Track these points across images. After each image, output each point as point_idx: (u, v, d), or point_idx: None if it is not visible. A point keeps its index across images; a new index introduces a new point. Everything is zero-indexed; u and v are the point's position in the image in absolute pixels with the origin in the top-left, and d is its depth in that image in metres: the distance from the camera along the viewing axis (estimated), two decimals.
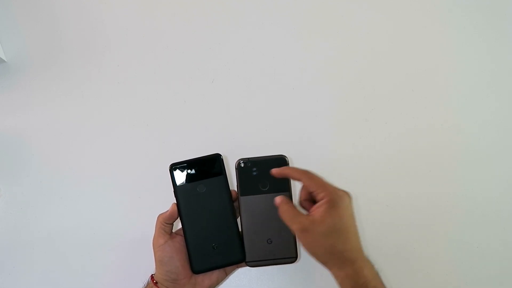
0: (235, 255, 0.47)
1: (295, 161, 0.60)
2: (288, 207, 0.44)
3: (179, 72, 0.64)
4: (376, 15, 0.64)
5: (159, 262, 0.46)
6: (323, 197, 0.42)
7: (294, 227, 0.42)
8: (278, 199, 0.45)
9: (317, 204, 0.42)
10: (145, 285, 0.48)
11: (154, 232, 0.48)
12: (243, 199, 0.47)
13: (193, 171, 0.48)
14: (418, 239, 0.60)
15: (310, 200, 0.45)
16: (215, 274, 0.48)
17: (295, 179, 0.45)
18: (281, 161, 0.48)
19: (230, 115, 0.63)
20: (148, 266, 0.48)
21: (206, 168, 0.48)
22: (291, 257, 0.48)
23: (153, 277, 0.47)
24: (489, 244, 0.59)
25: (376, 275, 0.43)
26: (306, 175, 0.44)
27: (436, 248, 0.60)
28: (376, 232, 0.60)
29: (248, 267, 0.48)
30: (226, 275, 0.49)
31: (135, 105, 0.64)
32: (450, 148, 0.61)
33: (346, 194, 0.44)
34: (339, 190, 0.44)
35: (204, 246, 0.47)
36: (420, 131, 0.61)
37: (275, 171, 0.46)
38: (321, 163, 0.61)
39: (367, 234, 0.60)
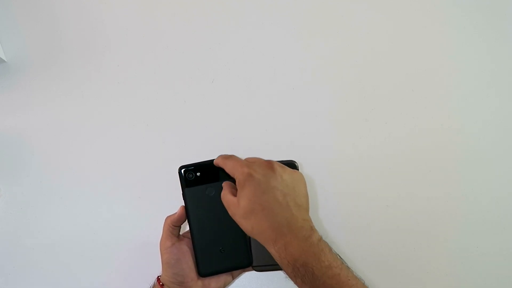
0: (242, 259, 0.47)
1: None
2: (224, 193, 0.44)
3: (179, 72, 0.64)
4: (376, 15, 0.64)
5: (166, 264, 0.46)
6: (236, 179, 0.42)
7: (228, 212, 0.43)
8: (224, 184, 0.45)
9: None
10: (151, 287, 0.47)
11: (161, 234, 0.47)
12: None
13: (202, 174, 0.47)
14: (417, 239, 0.60)
15: None
16: (221, 277, 0.48)
17: (219, 166, 0.45)
18: (290, 166, 0.47)
19: (230, 115, 0.63)
20: (152, 268, 0.48)
21: (215, 171, 0.47)
22: None
23: (159, 279, 0.47)
24: (489, 244, 0.59)
25: (312, 247, 0.39)
26: (223, 161, 0.44)
27: (436, 249, 0.60)
28: (375, 232, 0.60)
29: (254, 271, 0.48)
30: (233, 279, 0.49)
31: (135, 105, 0.64)
32: (450, 148, 0.61)
33: (261, 166, 0.42)
34: (248, 166, 0.42)
35: (211, 249, 0.47)
36: (420, 131, 0.61)
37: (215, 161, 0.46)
38: (321, 163, 0.61)
39: (367, 234, 0.60)
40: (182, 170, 0.47)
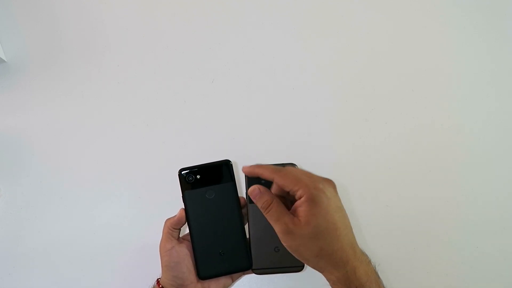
0: (242, 262, 0.47)
1: (295, 161, 0.60)
2: (280, 211, 0.39)
3: (179, 72, 0.64)
4: (376, 15, 0.64)
5: (165, 267, 0.46)
6: (302, 194, 0.38)
7: (277, 227, 0.38)
8: (273, 202, 0.40)
9: (297, 203, 0.38)
10: None
11: (161, 236, 0.47)
12: (251, 206, 0.47)
13: (202, 177, 0.47)
14: (417, 239, 0.60)
15: (286, 198, 0.42)
16: (221, 280, 0.48)
17: (267, 178, 0.40)
18: None
19: (230, 115, 0.63)
20: (152, 269, 0.48)
21: (215, 174, 0.47)
22: (298, 266, 0.47)
23: (159, 281, 0.47)
24: (489, 244, 0.59)
25: (372, 273, 0.39)
26: (278, 173, 0.39)
27: (436, 248, 0.60)
28: (375, 232, 0.60)
29: (254, 274, 0.48)
30: (233, 281, 0.49)
31: (135, 105, 0.64)
32: (450, 148, 0.61)
33: (327, 183, 0.40)
34: (318, 181, 0.39)
35: (211, 252, 0.47)
36: (420, 131, 0.61)
37: (245, 169, 0.42)
38: (321, 163, 0.61)
39: (367, 234, 0.60)
40: (182, 173, 0.47)
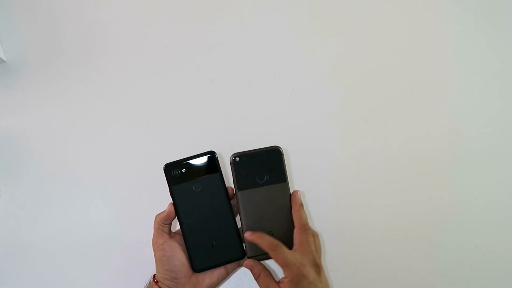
0: (235, 252, 0.47)
1: (294, 161, 0.60)
2: (264, 277, 0.45)
3: (179, 72, 0.64)
4: (376, 15, 0.64)
5: (158, 261, 0.47)
6: (286, 276, 0.43)
7: None
8: (252, 267, 0.46)
9: (281, 280, 0.43)
10: (147, 284, 0.48)
11: (153, 232, 0.48)
12: (241, 193, 0.47)
13: (187, 170, 0.47)
14: (417, 238, 0.60)
15: None
16: (215, 272, 0.48)
17: (263, 249, 0.45)
18: (275, 152, 0.47)
19: (230, 115, 0.63)
20: (151, 265, 0.48)
21: (201, 166, 0.47)
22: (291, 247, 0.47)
23: (154, 276, 0.47)
24: (488, 244, 0.59)
25: None
26: (273, 251, 0.44)
27: (435, 248, 0.60)
28: (375, 232, 0.60)
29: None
30: (227, 273, 0.49)
31: (135, 105, 0.64)
32: (450, 148, 0.61)
33: (314, 268, 0.44)
34: (304, 265, 0.43)
35: (203, 244, 0.47)
36: (420, 131, 0.61)
37: (248, 235, 0.46)
38: (321, 163, 0.61)
39: (367, 234, 0.60)
40: (168, 167, 0.47)
